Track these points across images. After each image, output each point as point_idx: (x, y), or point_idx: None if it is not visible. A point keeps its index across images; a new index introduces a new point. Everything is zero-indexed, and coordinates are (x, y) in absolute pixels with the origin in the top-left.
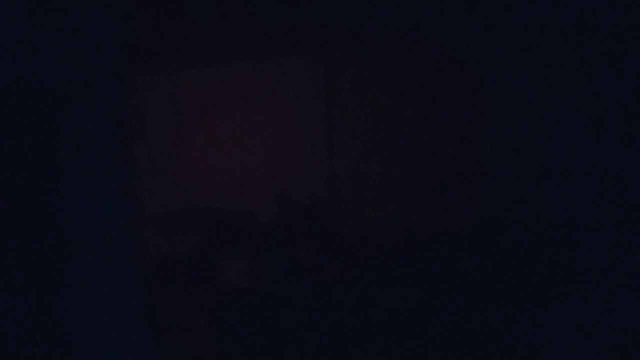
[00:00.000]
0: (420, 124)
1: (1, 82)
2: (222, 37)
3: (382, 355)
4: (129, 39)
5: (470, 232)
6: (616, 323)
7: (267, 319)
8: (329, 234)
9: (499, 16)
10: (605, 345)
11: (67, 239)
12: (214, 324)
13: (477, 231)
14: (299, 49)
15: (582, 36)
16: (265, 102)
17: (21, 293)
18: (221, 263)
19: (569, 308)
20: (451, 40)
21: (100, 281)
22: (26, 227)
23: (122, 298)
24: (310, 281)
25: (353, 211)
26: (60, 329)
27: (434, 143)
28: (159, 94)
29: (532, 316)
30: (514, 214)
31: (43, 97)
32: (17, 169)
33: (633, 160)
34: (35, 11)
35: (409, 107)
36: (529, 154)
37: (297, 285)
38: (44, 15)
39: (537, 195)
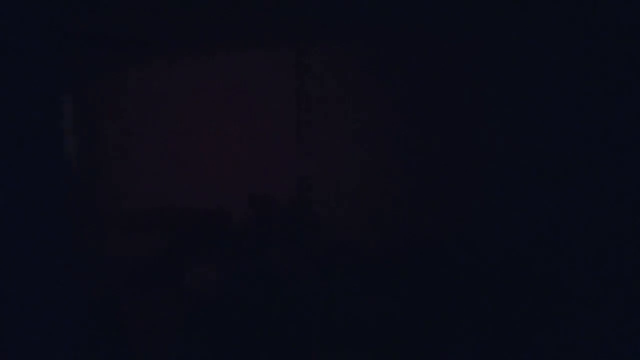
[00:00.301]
0: (399, 123)
1: None
2: (193, 30)
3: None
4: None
5: (452, 235)
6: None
7: (240, 326)
8: (306, 237)
9: (475, 10)
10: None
11: None
12: (181, 331)
13: (459, 233)
14: (274, 46)
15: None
16: (238, 98)
17: None
18: (191, 266)
19: (555, 316)
20: (428, 37)
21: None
22: None
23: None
24: (285, 286)
25: (330, 213)
26: None
27: (413, 142)
28: (130, 87)
29: (511, 317)
30: (497, 215)
31: None
32: None
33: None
34: None
35: (386, 106)
36: (511, 154)
37: (272, 291)
38: None
39: (521, 197)
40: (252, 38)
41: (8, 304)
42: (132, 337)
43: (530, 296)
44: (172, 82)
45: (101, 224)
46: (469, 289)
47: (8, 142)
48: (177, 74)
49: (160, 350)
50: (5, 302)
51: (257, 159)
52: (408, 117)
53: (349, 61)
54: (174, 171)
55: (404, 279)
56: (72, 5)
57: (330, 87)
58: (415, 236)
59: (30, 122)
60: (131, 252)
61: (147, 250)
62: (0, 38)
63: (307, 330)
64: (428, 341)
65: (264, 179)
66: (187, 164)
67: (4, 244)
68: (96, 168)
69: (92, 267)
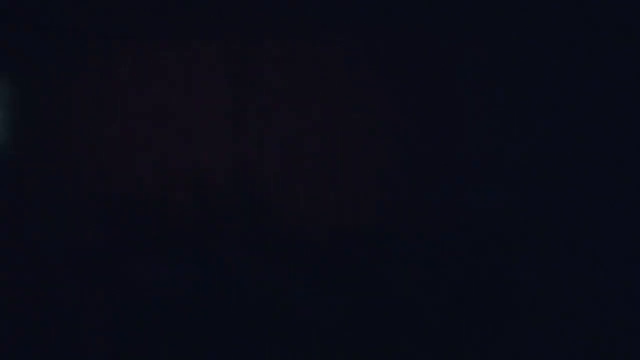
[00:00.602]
0: (343, 108)
1: None
2: (130, 16)
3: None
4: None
5: (400, 228)
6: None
7: (186, 325)
8: (249, 223)
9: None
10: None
11: None
12: (123, 330)
13: (407, 226)
14: (213, 35)
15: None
16: (175, 85)
17: None
18: (133, 261)
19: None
20: (371, 32)
21: None
22: None
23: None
24: (231, 281)
25: (276, 204)
26: None
27: (360, 126)
28: (65, 70)
29: (458, 309)
30: (445, 208)
31: None
32: None
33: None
34: None
35: (332, 91)
36: (455, 146)
37: (217, 286)
38: None
39: (469, 192)
40: (190, 27)
41: None
42: (69, 337)
43: (484, 293)
44: (107, 66)
45: (30, 214)
46: (426, 284)
47: None
48: (112, 59)
49: (100, 351)
50: None
51: (197, 144)
52: (351, 101)
53: (294, 52)
54: (109, 157)
55: (351, 272)
56: None
57: (272, 75)
58: (369, 232)
59: None
60: (64, 246)
61: (82, 244)
62: None
63: (255, 325)
64: (382, 338)
65: (204, 164)
66: (123, 150)
67: None
68: (25, 154)
69: (19, 264)
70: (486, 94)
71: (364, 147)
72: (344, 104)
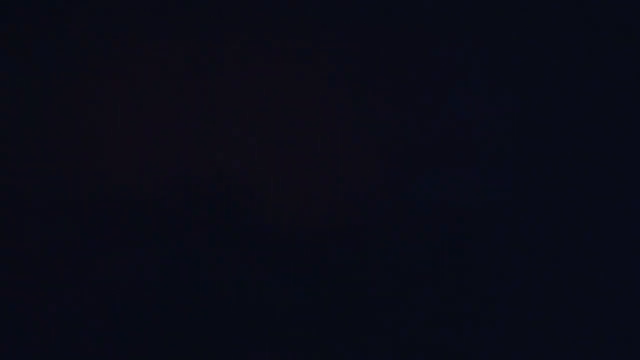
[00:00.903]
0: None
1: None
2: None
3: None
4: None
5: (385, 223)
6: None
7: (159, 322)
8: (232, 223)
9: None
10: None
11: None
12: (95, 326)
13: (392, 222)
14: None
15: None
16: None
17: None
18: (107, 256)
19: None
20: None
21: None
22: None
23: None
24: (210, 279)
25: (257, 198)
26: None
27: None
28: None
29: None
30: (429, 203)
31: None
32: None
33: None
34: None
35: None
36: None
37: (194, 284)
38: None
39: (453, 187)
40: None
41: None
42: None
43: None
44: (86, 61)
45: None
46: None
47: None
48: (90, 56)
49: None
50: None
51: (175, 143)
52: (332, 98)
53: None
54: (86, 156)
55: (332, 270)
56: None
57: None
58: (351, 228)
59: None
60: (41, 244)
61: (59, 242)
62: None
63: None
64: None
65: (184, 163)
66: (101, 148)
67: None
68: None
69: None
70: (485, 94)
71: (350, 143)
72: (324, 102)
